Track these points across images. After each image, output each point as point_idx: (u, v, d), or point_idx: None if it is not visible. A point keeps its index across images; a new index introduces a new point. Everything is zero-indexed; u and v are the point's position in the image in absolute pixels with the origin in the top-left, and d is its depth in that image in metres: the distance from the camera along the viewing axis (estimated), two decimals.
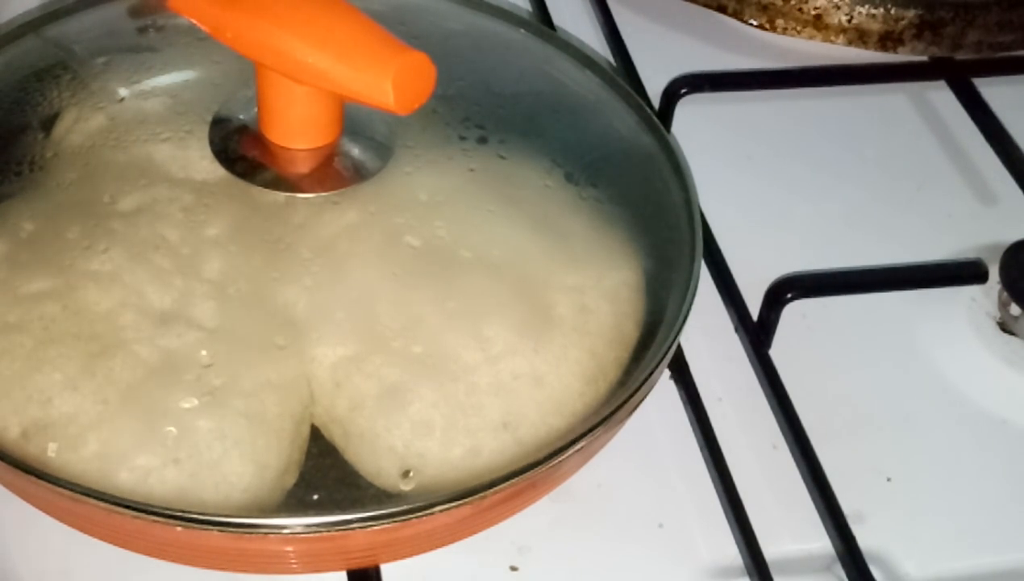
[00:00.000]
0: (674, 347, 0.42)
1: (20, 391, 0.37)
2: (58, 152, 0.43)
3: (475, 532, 0.40)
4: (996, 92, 0.57)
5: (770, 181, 0.54)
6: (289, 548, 0.37)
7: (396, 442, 0.38)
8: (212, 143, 0.43)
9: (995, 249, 0.48)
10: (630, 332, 0.42)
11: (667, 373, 0.45)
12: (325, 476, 0.38)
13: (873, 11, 0.58)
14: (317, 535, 0.36)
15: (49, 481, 0.36)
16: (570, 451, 0.38)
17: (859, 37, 0.58)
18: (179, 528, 0.35)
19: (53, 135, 0.44)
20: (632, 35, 0.58)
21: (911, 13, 0.58)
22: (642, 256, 0.44)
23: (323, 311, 0.40)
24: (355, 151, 0.44)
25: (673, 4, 0.61)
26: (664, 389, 0.45)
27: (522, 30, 0.52)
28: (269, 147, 0.43)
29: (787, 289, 0.46)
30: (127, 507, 0.35)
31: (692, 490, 0.43)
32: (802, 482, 0.42)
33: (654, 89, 0.55)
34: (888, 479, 0.44)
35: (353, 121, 0.43)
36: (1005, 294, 0.47)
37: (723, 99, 0.55)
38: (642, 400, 0.41)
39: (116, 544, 0.38)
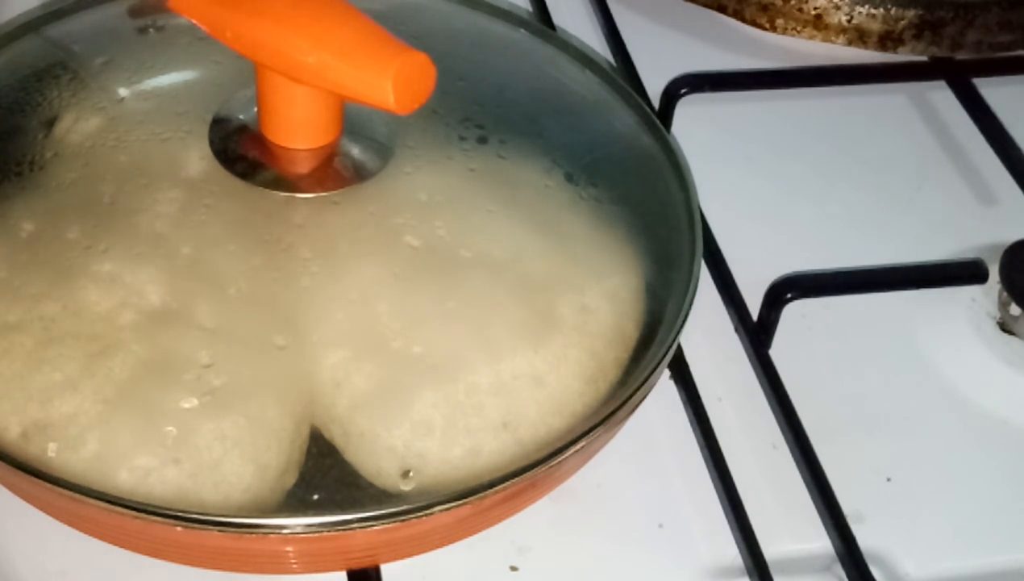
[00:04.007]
0: (674, 347, 0.42)
1: (20, 391, 0.37)
2: (58, 152, 0.43)
3: (475, 532, 0.40)
4: (996, 92, 0.57)
5: (770, 181, 0.54)
6: (289, 548, 0.37)
7: (396, 442, 0.38)
8: (212, 143, 0.43)
9: (995, 249, 0.48)
10: (630, 332, 0.42)
11: (667, 373, 0.45)
12: (325, 476, 0.38)
13: (873, 11, 0.58)
14: (317, 535, 0.36)
15: (49, 481, 0.36)
16: (570, 451, 0.38)
17: (859, 37, 0.58)
18: (179, 528, 0.35)
19: (53, 135, 0.44)
20: (632, 35, 0.58)
21: (911, 13, 0.58)
22: (642, 256, 0.44)
23: (323, 311, 0.40)
24: (355, 151, 0.44)
25: (673, 4, 0.61)
26: (664, 389, 0.45)
27: (522, 30, 0.52)
28: (269, 147, 0.43)
29: (787, 289, 0.46)
30: (127, 507, 0.35)
31: (692, 490, 0.43)
32: (802, 482, 0.42)
33: (654, 89, 0.55)
34: (888, 479, 0.44)
35: (353, 121, 0.43)
36: (1005, 294, 0.47)
37: (723, 99, 0.55)
38: (642, 400, 0.41)
39: (116, 544, 0.38)
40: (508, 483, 0.37)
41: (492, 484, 0.37)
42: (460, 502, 0.37)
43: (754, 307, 0.47)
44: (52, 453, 0.37)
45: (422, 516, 0.36)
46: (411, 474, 0.38)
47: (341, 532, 0.36)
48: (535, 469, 0.37)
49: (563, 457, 0.38)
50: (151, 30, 0.48)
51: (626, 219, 0.45)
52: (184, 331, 0.39)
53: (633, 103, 0.49)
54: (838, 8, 0.58)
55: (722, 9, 0.60)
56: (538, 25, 0.53)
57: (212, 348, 0.38)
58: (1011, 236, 0.48)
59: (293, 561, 0.38)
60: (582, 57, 0.51)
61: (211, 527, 0.36)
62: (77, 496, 0.36)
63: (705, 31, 0.61)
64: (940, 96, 0.58)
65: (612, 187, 0.46)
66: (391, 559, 0.39)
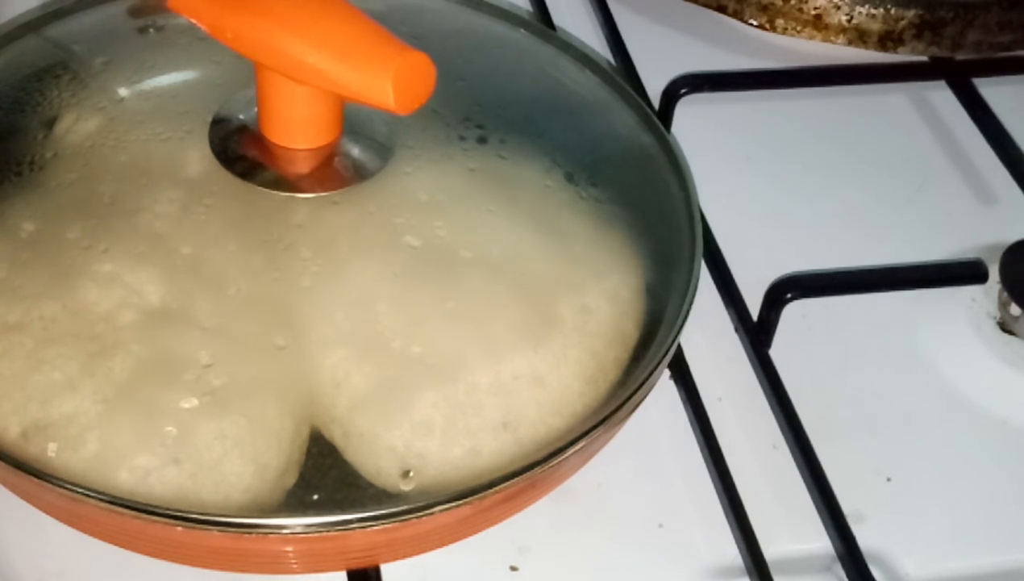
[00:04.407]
0: (674, 347, 0.42)
1: (20, 391, 0.37)
2: (58, 152, 0.43)
3: (475, 532, 0.40)
4: (996, 92, 0.57)
5: (770, 181, 0.54)
6: (289, 548, 0.37)
7: (396, 442, 0.38)
8: (212, 143, 0.43)
9: (995, 249, 0.48)
10: (630, 332, 0.42)
11: (667, 373, 0.45)
12: (325, 476, 0.38)
13: (873, 11, 0.58)
14: (317, 535, 0.36)
15: (49, 481, 0.36)
16: (570, 451, 0.38)
17: (859, 37, 0.58)
18: (179, 528, 0.35)
19: (53, 135, 0.44)
20: (632, 35, 0.58)
21: (911, 13, 0.58)
22: (642, 256, 0.44)
23: (323, 311, 0.40)
24: (355, 151, 0.44)
25: (673, 4, 0.61)
26: (664, 389, 0.45)
27: (522, 30, 0.52)
28: (269, 147, 0.43)
29: (787, 289, 0.46)
30: (127, 507, 0.35)
31: (692, 490, 0.43)
32: (802, 482, 0.42)
33: (654, 89, 0.55)
34: (888, 479, 0.44)
35: (353, 121, 0.43)
36: (1005, 294, 0.47)
37: (723, 99, 0.55)
38: (642, 400, 0.41)
39: (116, 544, 0.38)
40: (508, 483, 0.37)
41: (492, 484, 0.37)
42: (460, 502, 0.36)
43: (754, 307, 0.47)
44: (52, 453, 0.37)
45: (422, 516, 0.36)
46: (411, 474, 0.38)
47: (341, 532, 0.36)
48: (535, 469, 0.37)
49: (563, 457, 0.38)
50: (151, 30, 0.48)
51: (626, 219, 0.45)
52: (184, 331, 0.39)
53: (633, 103, 0.49)
54: (838, 8, 0.58)
55: (722, 9, 0.60)
56: (538, 25, 0.53)
57: (212, 348, 0.38)
58: (1011, 236, 0.48)
59: (293, 561, 0.38)
60: (582, 57, 0.51)
61: (211, 527, 0.36)
62: (77, 496, 0.36)
63: (705, 31, 0.61)
64: (940, 96, 0.58)
65: (612, 187, 0.46)
66: (391, 559, 0.39)
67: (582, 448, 0.38)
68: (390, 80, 0.38)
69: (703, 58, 0.59)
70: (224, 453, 0.37)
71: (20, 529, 0.39)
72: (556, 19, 0.58)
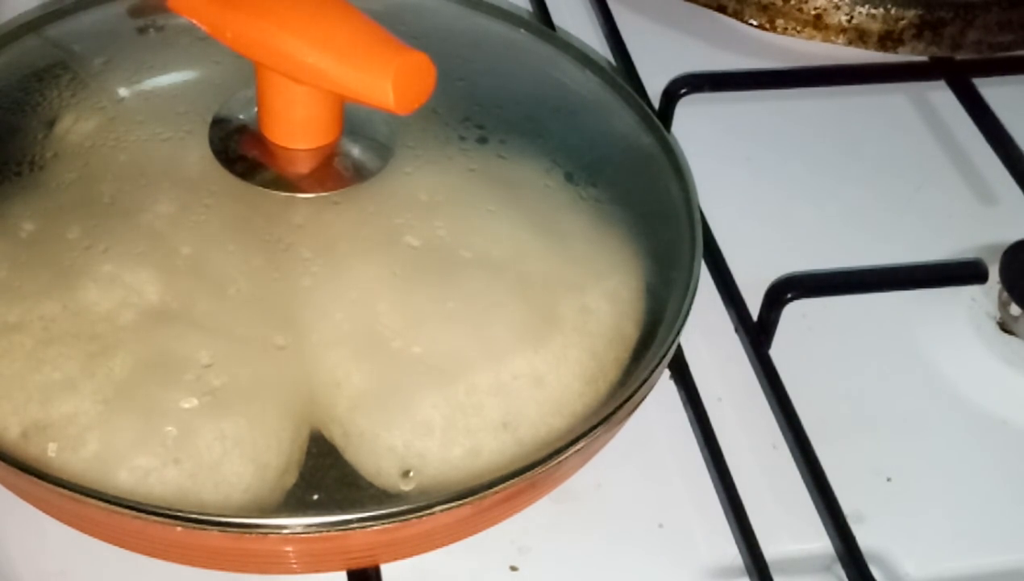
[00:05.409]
0: (674, 347, 0.42)
1: (20, 391, 0.37)
2: (58, 152, 0.43)
3: (475, 532, 0.40)
4: (996, 92, 0.57)
5: (770, 181, 0.54)
6: (289, 548, 0.37)
7: (396, 442, 0.38)
8: (212, 143, 0.43)
9: (995, 249, 0.48)
10: (630, 332, 0.42)
11: (667, 373, 0.45)
12: (325, 476, 0.38)
13: (873, 11, 0.58)
14: (317, 535, 0.36)
15: (49, 481, 0.36)
16: (570, 451, 0.38)
17: (859, 37, 0.58)
18: (179, 528, 0.35)
19: (53, 135, 0.44)
20: (632, 35, 0.58)
21: (911, 13, 0.58)
22: (642, 256, 0.44)
23: (323, 311, 0.40)
24: (355, 151, 0.44)
25: (673, 4, 0.61)
26: (664, 389, 0.45)
27: (522, 30, 0.52)
28: (269, 147, 0.43)
29: (787, 289, 0.46)
30: (127, 507, 0.35)
31: (692, 490, 0.43)
32: (802, 482, 0.42)
33: (654, 89, 0.55)
34: (888, 479, 0.44)
35: (353, 121, 0.43)
36: (1005, 294, 0.47)
37: (723, 99, 0.55)
38: (642, 400, 0.41)
39: (116, 544, 0.38)
40: (508, 483, 0.37)
41: (492, 484, 0.37)
42: (460, 502, 0.37)
43: (754, 307, 0.47)
44: (52, 453, 0.37)
45: (422, 516, 0.36)
46: (411, 474, 0.38)
47: (341, 532, 0.36)
48: (535, 469, 0.37)
49: (563, 457, 0.38)
50: (151, 30, 0.48)
51: (626, 219, 0.45)
52: (184, 331, 0.39)
53: (633, 103, 0.49)
54: (838, 8, 0.58)
55: (722, 9, 0.60)
56: (538, 25, 0.53)
57: (212, 348, 0.38)
58: (1011, 236, 0.48)
59: (293, 561, 0.38)
60: (582, 57, 0.51)
61: (211, 527, 0.36)
62: (77, 496, 0.36)
63: (705, 31, 0.61)
64: (940, 96, 0.58)
65: (612, 187, 0.46)
66: (391, 559, 0.39)
67: (582, 448, 0.38)
68: (390, 80, 0.38)
69: (703, 58, 0.59)
70: (224, 453, 0.37)
71: (20, 529, 0.39)
72: (556, 19, 0.58)
